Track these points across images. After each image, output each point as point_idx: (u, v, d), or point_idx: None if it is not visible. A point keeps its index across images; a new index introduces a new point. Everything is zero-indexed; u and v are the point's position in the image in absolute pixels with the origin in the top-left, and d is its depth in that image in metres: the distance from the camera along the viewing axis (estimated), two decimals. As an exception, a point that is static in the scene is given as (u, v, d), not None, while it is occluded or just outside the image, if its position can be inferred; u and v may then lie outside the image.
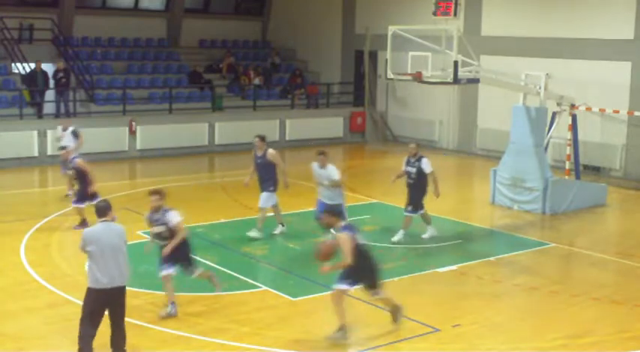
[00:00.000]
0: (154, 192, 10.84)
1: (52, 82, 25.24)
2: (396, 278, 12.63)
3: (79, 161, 15.57)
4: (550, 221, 17.33)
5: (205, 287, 11.48)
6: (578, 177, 19.37)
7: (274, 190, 14.97)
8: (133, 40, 29.97)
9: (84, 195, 15.45)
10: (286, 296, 11.78)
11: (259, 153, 14.98)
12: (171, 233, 10.64)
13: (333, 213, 10.36)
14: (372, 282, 10.21)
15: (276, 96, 29.81)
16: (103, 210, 9.06)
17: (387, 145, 28.67)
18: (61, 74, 25.20)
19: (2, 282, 12.42)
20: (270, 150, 14.99)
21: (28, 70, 25.67)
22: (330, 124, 29.32)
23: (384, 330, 10.50)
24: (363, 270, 10.04)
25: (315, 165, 14.33)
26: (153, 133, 25.50)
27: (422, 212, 15.13)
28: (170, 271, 10.77)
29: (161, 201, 10.74)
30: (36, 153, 23.31)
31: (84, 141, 19.15)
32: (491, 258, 14.20)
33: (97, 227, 8.98)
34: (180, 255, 10.76)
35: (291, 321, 10.83)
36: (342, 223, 10.17)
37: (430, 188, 15.02)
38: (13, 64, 26.37)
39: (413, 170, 14.88)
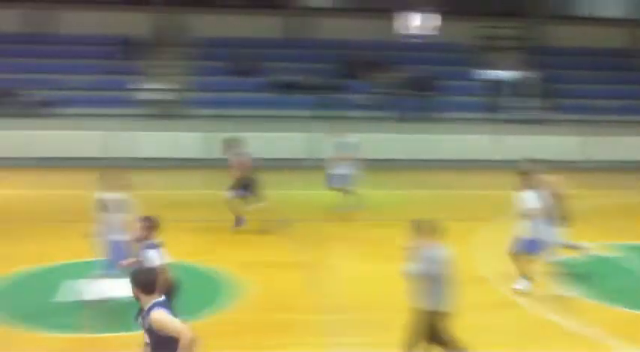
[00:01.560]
0: (142, 219, 8.87)
1: (514, 89, 26.08)
2: None
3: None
4: None
5: None
6: None
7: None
8: (596, 50, 29.52)
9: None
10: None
11: None
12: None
13: (140, 282, 6.34)
14: None
15: None
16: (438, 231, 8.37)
17: None
18: (526, 82, 25.88)
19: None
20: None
21: (492, 77, 26.85)
22: None
23: None
24: None
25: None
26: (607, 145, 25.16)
27: None
28: None
29: (146, 232, 8.70)
30: (490, 157, 24.45)
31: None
32: None
33: (441, 248, 8.36)
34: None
35: None
36: (154, 299, 6.38)
37: None
38: (478, 71, 27.78)
39: None
